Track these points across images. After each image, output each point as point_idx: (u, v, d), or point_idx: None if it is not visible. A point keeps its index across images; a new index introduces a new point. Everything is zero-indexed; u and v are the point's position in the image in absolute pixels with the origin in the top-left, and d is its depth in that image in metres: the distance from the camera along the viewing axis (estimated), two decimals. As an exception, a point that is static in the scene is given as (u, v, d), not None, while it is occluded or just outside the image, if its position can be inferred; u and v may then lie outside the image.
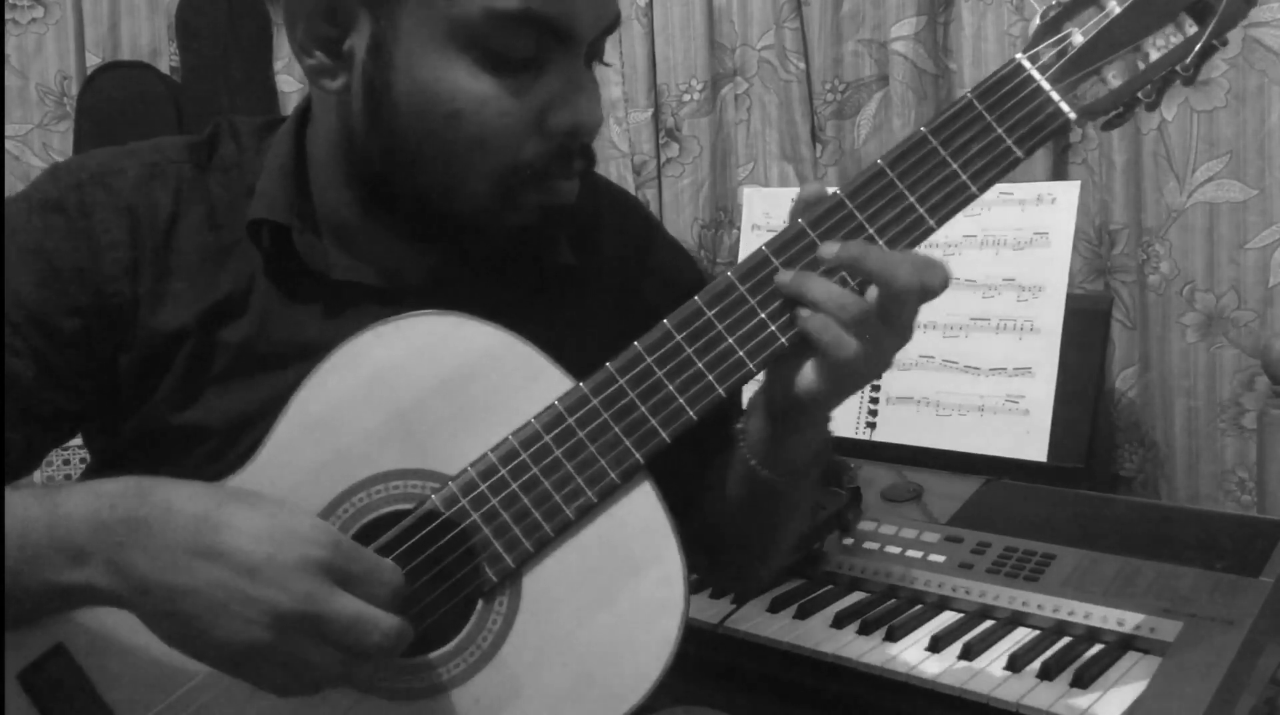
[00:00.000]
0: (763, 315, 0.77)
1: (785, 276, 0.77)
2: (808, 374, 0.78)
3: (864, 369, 0.77)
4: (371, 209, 0.85)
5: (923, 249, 0.78)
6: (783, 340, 0.77)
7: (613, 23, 0.81)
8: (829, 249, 0.76)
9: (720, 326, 0.77)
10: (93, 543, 0.69)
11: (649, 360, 0.77)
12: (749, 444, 0.86)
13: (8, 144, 2.17)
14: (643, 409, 0.77)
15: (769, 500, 0.89)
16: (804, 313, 0.76)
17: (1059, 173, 1.68)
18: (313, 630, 0.67)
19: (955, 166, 0.77)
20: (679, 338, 0.77)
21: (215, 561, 0.67)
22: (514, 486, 0.76)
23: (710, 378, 0.77)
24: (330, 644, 0.67)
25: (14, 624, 0.74)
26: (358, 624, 0.67)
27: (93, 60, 2.20)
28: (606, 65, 0.86)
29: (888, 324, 0.76)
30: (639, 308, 0.81)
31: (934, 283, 0.75)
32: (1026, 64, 0.78)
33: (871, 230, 0.77)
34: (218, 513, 0.68)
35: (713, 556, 0.97)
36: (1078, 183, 1.48)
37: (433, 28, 0.76)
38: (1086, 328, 1.42)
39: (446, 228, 0.83)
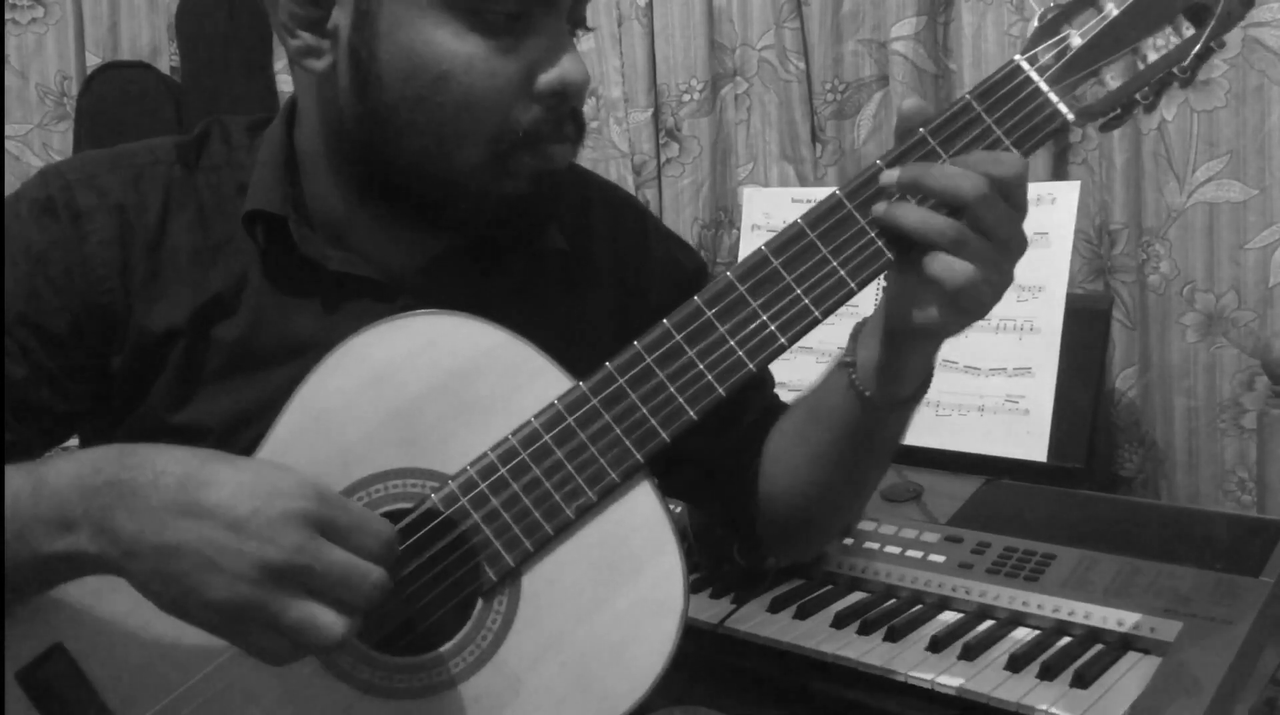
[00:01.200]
0: (763, 317, 0.78)
1: (880, 207, 0.76)
2: (928, 307, 0.78)
3: (983, 292, 0.76)
4: (363, 199, 0.85)
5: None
6: (782, 340, 0.78)
7: None
8: (889, 175, 0.76)
9: (720, 327, 0.78)
10: (78, 509, 0.69)
11: (649, 360, 0.77)
12: (860, 375, 0.86)
13: (8, 144, 2.17)
14: (643, 409, 0.77)
15: (873, 435, 0.89)
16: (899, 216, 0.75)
17: (1059, 173, 1.68)
18: (303, 582, 0.66)
19: (873, 234, 0.78)
20: (678, 338, 0.77)
21: (201, 518, 0.67)
22: (514, 486, 0.77)
23: (710, 378, 0.77)
24: (321, 596, 0.67)
25: (10, 600, 0.74)
26: (348, 575, 0.67)
27: (93, 60, 2.20)
28: (589, 30, 0.87)
29: (986, 234, 0.74)
30: (636, 294, 0.81)
31: (1003, 172, 0.74)
32: (1025, 65, 0.78)
33: (872, 233, 0.78)
34: (201, 471, 0.68)
35: (783, 528, 0.98)
36: (1078, 183, 1.48)
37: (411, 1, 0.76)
38: (1086, 328, 1.42)
39: (440, 206, 0.83)
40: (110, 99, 2.12)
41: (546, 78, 0.79)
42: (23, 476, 0.71)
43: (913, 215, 0.75)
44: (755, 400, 0.99)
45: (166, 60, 2.23)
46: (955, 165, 0.75)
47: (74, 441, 0.91)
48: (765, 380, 1.02)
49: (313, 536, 0.67)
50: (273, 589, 0.66)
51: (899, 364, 0.84)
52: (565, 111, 0.81)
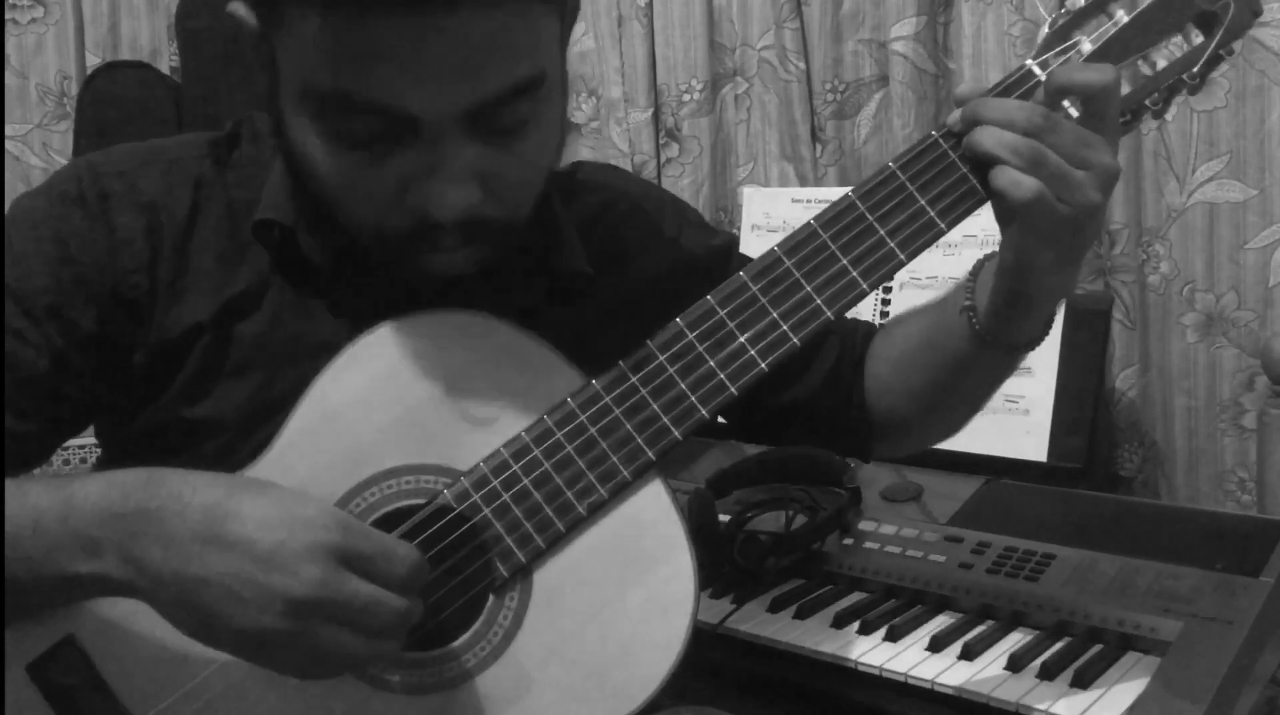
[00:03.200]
0: (774, 314, 0.78)
1: (954, 117, 0.77)
2: (1012, 233, 0.78)
3: (1055, 213, 0.75)
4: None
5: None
6: (794, 340, 0.78)
7: (489, 98, 0.70)
8: (953, 117, 0.78)
9: (732, 325, 0.78)
10: (106, 533, 0.69)
11: (661, 358, 0.78)
12: (981, 320, 0.85)
13: (8, 144, 2.17)
14: (654, 407, 0.78)
15: (991, 370, 0.90)
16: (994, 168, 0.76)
17: (1059, 173, 1.68)
18: (327, 615, 0.67)
19: (965, 170, 0.78)
20: (691, 336, 0.78)
21: (227, 550, 0.67)
22: (526, 482, 0.77)
23: (722, 376, 0.78)
24: (346, 627, 0.68)
25: (29, 613, 0.74)
26: (370, 606, 0.68)
27: (93, 60, 2.20)
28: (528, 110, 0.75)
29: (1065, 151, 0.75)
30: (664, 305, 0.81)
31: (1089, 79, 0.75)
32: (1037, 70, 0.78)
33: (883, 232, 0.78)
34: (228, 501, 0.69)
35: (894, 437, 1.00)
36: (1078, 183, 1.48)
37: (292, 88, 0.73)
38: (1086, 328, 1.42)
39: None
40: (110, 99, 2.12)
41: (414, 198, 0.73)
42: (51, 495, 0.72)
43: (988, 135, 0.76)
44: (832, 345, 0.99)
45: (166, 60, 2.23)
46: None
47: (73, 442, 0.91)
48: (839, 323, 0.99)
49: (336, 569, 0.68)
50: (296, 621, 0.67)
51: (1023, 307, 0.83)
52: (444, 227, 0.75)
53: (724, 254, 1.01)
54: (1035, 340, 0.87)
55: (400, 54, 0.67)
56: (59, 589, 0.72)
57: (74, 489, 0.71)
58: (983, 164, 0.77)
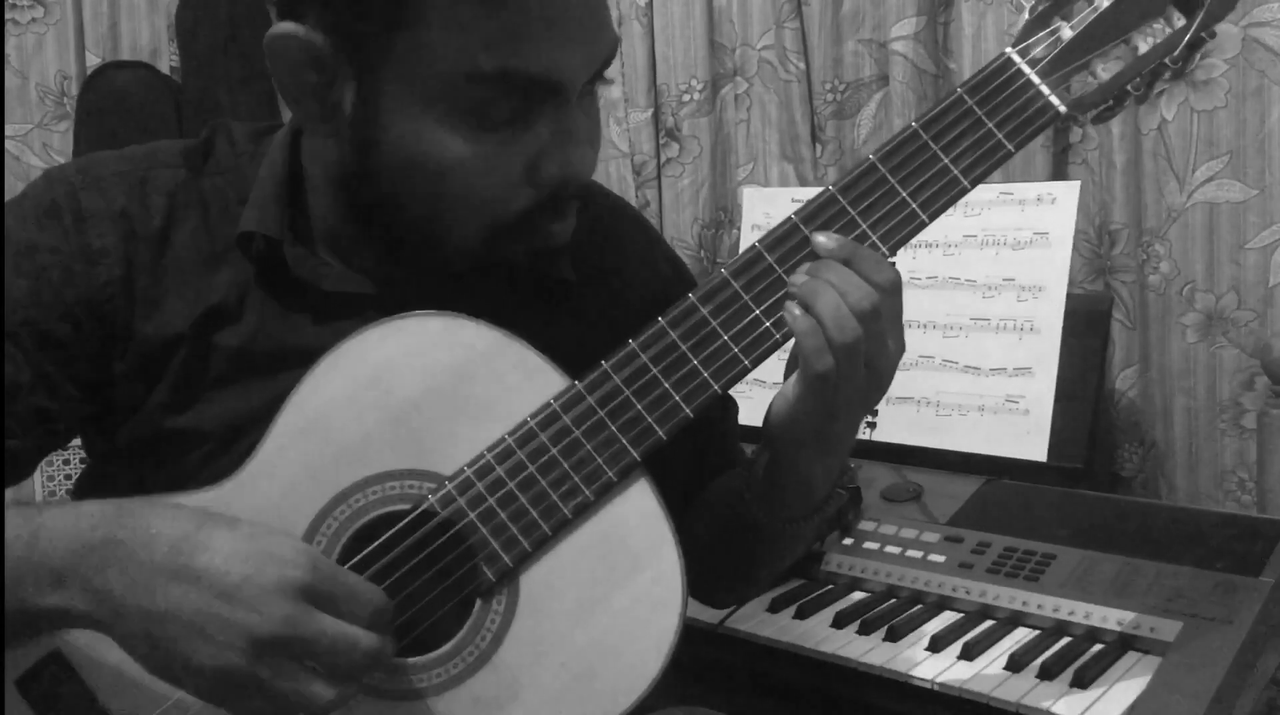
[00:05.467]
0: (757, 312, 0.77)
1: (799, 279, 0.76)
2: (790, 386, 0.78)
3: (839, 391, 0.75)
4: (366, 226, 0.85)
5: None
6: (777, 336, 0.78)
7: (607, 58, 0.79)
8: (819, 242, 0.76)
9: (715, 323, 0.77)
10: (71, 565, 0.68)
11: (644, 357, 0.77)
12: (749, 492, 0.86)
13: (8, 144, 2.17)
14: (639, 407, 0.77)
15: (770, 546, 0.89)
16: (795, 312, 0.75)
17: (1059, 173, 1.68)
18: (292, 654, 0.66)
19: (946, 161, 0.78)
20: (674, 335, 0.77)
21: (191, 584, 0.66)
22: (511, 485, 0.76)
23: (706, 375, 0.77)
24: (311, 666, 0.67)
25: None
26: (337, 645, 0.67)
27: (93, 60, 2.20)
28: (607, 82, 0.85)
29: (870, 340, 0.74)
30: (641, 318, 0.81)
31: (880, 278, 0.74)
32: (1016, 58, 0.78)
33: (865, 226, 0.78)
34: (196, 535, 0.68)
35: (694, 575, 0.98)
36: (1078, 183, 1.48)
37: (415, 89, 0.74)
38: (1086, 328, 1.42)
39: (437, 259, 0.83)
40: (110, 99, 2.12)
41: (549, 169, 0.77)
42: (20, 522, 0.70)
43: (803, 284, 0.75)
44: (717, 442, 1.00)
45: (166, 60, 2.23)
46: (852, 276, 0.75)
47: (74, 442, 0.91)
48: (731, 430, 1.02)
49: (303, 607, 0.67)
50: (260, 660, 0.66)
51: (782, 479, 0.83)
52: (568, 194, 0.80)
53: (692, 284, 1.03)
54: (803, 518, 0.86)
55: (550, 21, 0.72)
56: (23, 621, 0.71)
57: (43, 519, 0.70)
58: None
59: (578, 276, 0.91)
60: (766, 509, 0.86)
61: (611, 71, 0.82)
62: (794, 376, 0.79)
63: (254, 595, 0.66)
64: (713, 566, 0.93)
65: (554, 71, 0.74)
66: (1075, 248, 1.54)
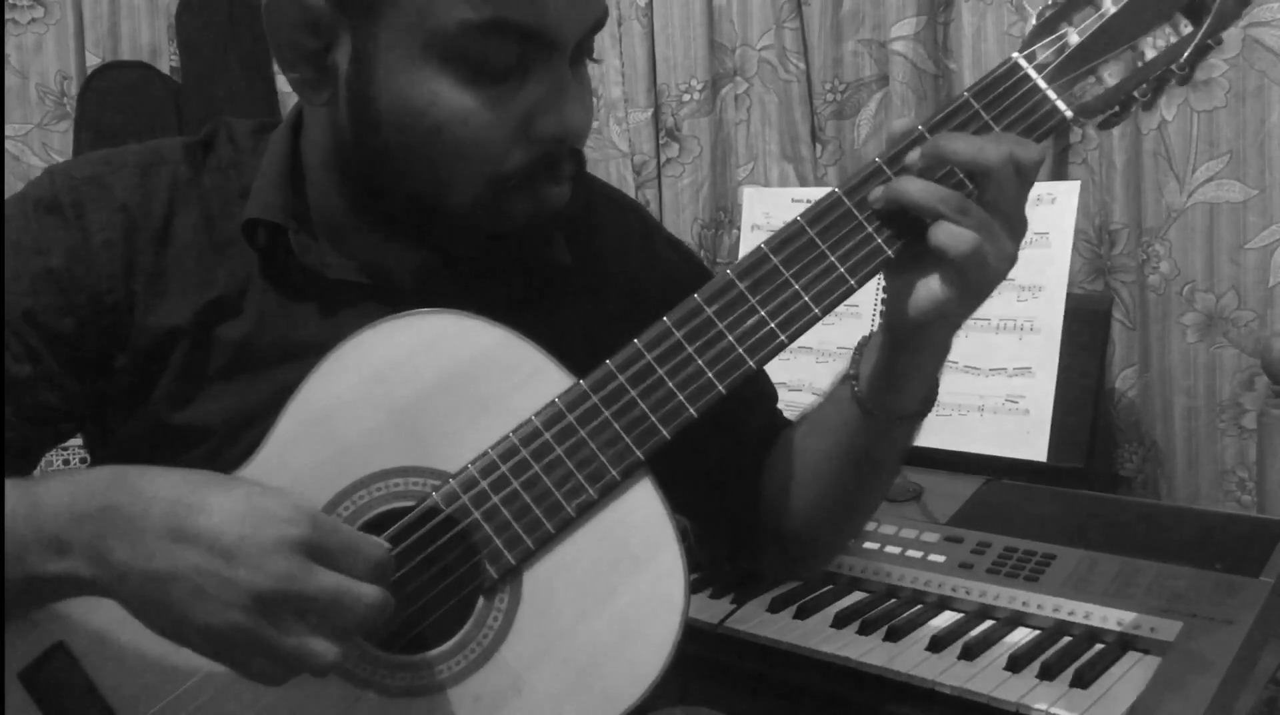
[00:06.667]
0: (762, 313, 0.78)
1: (877, 192, 0.76)
2: (933, 285, 0.77)
3: (986, 266, 0.75)
4: (365, 211, 0.85)
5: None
6: (782, 338, 0.78)
7: (599, 20, 0.80)
8: (912, 156, 0.76)
9: (720, 324, 0.78)
10: (72, 533, 0.69)
11: (649, 357, 0.77)
12: (863, 388, 0.85)
13: (8, 144, 2.17)
14: (643, 406, 0.77)
15: (874, 450, 0.88)
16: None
17: (1059, 173, 1.68)
18: (294, 609, 0.66)
19: (870, 229, 0.78)
20: (679, 335, 0.77)
21: (191, 545, 0.67)
22: (515, 483, 0.77)
23: (710, 375, 0.77)
24: (313, 622, 0.67)
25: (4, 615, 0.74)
26: (340, 599, 0.67)
27: (93, 60, 2.20)
28: (596, 62, 0.86)
29: (993, 205, 0.74)
30: (641, 307, 0.82)
31: (1025, 154, 0.74)
32: (1023, 63, 0.78)
33: (870, 229, 0.78)
34: (193, 496, 0.68)
35: (783, 545, 0.97)
36: (1078, 183, 1.48)
37: (410, 41, 0.75)
38: (1086, 328, 1.42)
39: (437, 231, 0.83)
40: (110, 99, 2.12)
41: (544, 126, 0.78)
42: (19, 495, 0.71)
43: (915, 185, 0.75)
44: (758, 409, 0.99)
45: (166, 60, 2.23)
46: (978, 138, 0.75)
47: (74, 442, 0.91)
48: (768, 393, 1.02)
49: (303, 563, 0.67)
50: (263, 617, 0.66)
51: (902, 373, 0.83)
52: (563, 153, 0.80)
53: (699, 269, 1.04)
54: (919, 412, 0.87)
55: None
56: (29, 590, 0.71)
57: (41, 490, 0.71)
58: (900, 219, 0.77)
59: (573, 262, 0.91)
60: (883, 406, 0.85)
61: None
62: (921, 281, 0.78)
63: (253, 553, 0.66)
64: (820, 505, 0.93)
65: (545, 23, 0.75)
66: (1075, 248, 1.54)
